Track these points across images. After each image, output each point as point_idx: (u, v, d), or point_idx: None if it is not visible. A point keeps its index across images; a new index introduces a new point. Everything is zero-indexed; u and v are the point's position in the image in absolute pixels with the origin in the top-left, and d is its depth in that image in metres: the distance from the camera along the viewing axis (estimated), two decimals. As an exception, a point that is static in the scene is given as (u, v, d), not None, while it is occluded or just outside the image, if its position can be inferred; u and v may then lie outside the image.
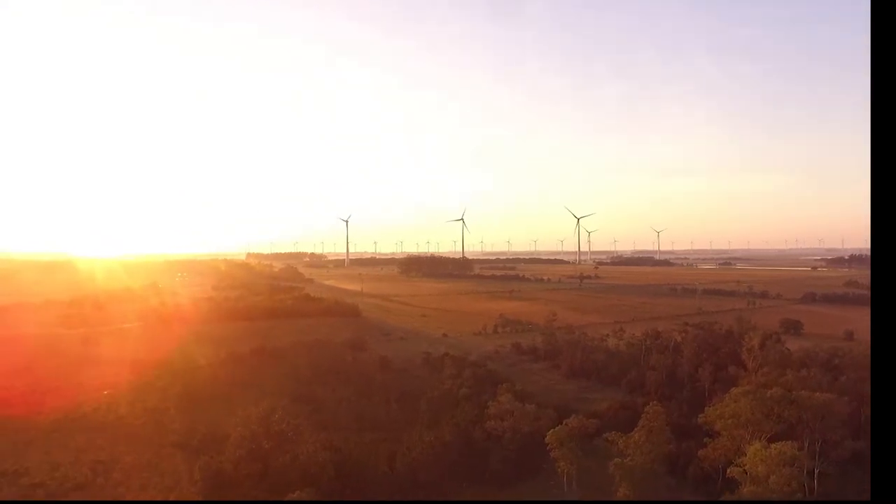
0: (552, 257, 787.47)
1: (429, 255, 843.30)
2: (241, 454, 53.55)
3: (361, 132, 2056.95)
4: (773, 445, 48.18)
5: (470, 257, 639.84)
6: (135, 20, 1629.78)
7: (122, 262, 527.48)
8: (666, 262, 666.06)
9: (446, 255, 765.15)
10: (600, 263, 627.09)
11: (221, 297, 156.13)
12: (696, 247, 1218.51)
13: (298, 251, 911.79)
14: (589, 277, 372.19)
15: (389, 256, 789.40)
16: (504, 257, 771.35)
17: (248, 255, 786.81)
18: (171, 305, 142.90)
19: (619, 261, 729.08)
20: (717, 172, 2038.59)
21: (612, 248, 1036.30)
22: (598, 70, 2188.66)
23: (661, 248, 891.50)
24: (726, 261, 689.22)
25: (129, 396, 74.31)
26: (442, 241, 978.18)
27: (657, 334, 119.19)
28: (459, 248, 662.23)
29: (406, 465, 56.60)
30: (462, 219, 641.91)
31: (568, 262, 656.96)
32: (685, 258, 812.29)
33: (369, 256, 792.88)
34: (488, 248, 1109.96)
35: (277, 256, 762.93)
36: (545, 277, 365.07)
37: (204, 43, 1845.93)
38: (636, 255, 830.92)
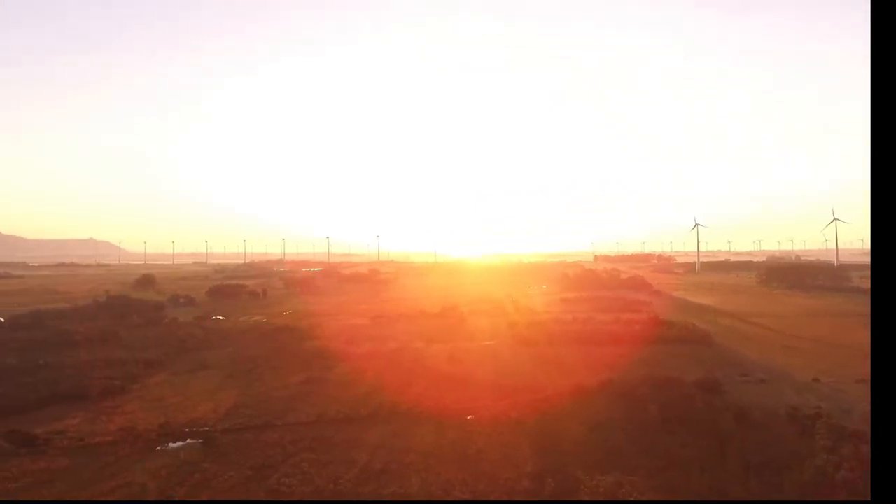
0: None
1: (793, 255, 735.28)
2: (588, 523, 53.17)
3: (720, 122, 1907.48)
4: None
5: (846, 259, 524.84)
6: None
7: (483, 264, 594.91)
8: None
9: (815, 255, 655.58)
10: None
11: (570, 317, 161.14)
12: None
13: (646, 251, 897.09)
14: None
15: (746, 257, 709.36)
16: None
17: (596, 257, 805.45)
18: (525, 323, 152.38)
19: None
20: None
21: None
22: None
23: None
24: None
25: (487, 427, 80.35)
26: (809, 239, 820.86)
27: None
28: (831, 247, 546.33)
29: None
30: (835, 219, 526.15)
31: None
32: None
33: (723, 258, 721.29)
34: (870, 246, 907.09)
35: (624, 258, 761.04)
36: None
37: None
38: None
